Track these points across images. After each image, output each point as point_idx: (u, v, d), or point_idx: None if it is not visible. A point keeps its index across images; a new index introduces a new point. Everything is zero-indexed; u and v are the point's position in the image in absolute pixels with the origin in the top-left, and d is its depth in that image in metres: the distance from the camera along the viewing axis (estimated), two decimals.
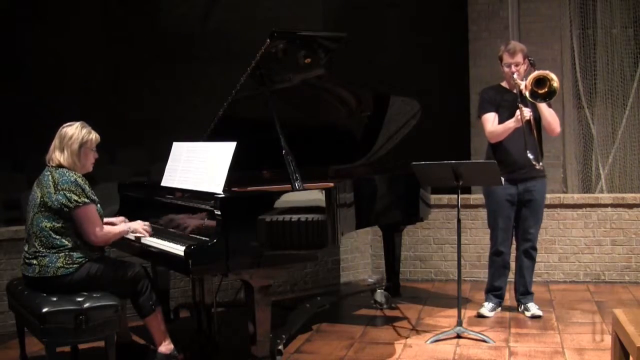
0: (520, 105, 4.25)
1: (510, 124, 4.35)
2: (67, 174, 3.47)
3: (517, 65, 4.38)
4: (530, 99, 4.22)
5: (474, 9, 6.84)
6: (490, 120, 4.48)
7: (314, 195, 3.59)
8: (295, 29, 3.85)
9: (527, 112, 4.27)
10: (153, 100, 9.14)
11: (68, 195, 3.41)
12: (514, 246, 4.71)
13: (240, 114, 4.02)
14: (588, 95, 6.66)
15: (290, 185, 3.68)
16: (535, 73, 4.19)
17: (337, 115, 4.73)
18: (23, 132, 7.87)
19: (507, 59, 4.41)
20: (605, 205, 5.61)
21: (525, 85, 4.19)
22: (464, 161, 4.25)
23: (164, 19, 9.63)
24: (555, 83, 4.15)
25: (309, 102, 4.53)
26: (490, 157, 4.52)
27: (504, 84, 4.59)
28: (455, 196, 4.21)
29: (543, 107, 4.35)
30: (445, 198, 5.75)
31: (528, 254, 4.64)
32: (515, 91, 4.42)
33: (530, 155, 4.25)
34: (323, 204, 3.59)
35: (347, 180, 4.09)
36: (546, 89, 4.17)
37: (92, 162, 3.63)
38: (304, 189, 3.65)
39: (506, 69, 4.44)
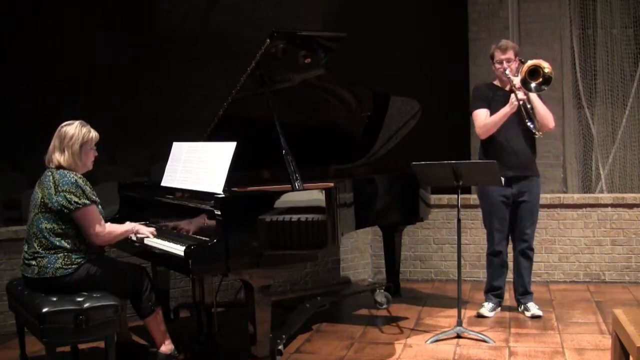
0: (514, 89, 4.30)
1: (505, 109, 4.37)
2: (67, 175, 3.45)
3: (508, 61, 4.42)
4: (527, 90, 4.26)
5: (474, 9, 6.83)
6: (483, 116, 4.49)
7: (314, 195, 3.59)
8: (295, 29, 3.85)
9: (521, 95, 4.31)
10: (153, 100, 9.13)
11: (68, 196, 3.39)
12: (510, 246, 4.72)
13: (240, 114, 4.02)
14: (588, 95, 6.65)
15: (290, 185, 3.68)
16: (528, 64, 4.24)
17: (337, 115, 4.73)
18: (23, 132, 7.87)
19: (498, 55, 4.45)
20: (605, 205, 5.61)
21: (521, 78, 4.23)
22: (464, 161, 4.26)
23: (164, 19, 9.63)
24: (548, 69, 4.21)
25: (309, 102, 4.53)
26: (484, 155, 4.54)
27: (496, 82, 4.61)
28: (455, 196, 4.21)
29: (536, 101, 4.39)
30: (445, 198, 5.75)
31: (525, 255, 4.64)
32: (507, 88, 4.44)
33: (530, 125, 4.29)
34: (323, 204, 3.59)
35: (347, 180, 4.09)
36: (541, 78, 4.22)
37: (92, 160, 3.61)
38: (304, 189, 3.65)
39: (498, 66, 4.47)
